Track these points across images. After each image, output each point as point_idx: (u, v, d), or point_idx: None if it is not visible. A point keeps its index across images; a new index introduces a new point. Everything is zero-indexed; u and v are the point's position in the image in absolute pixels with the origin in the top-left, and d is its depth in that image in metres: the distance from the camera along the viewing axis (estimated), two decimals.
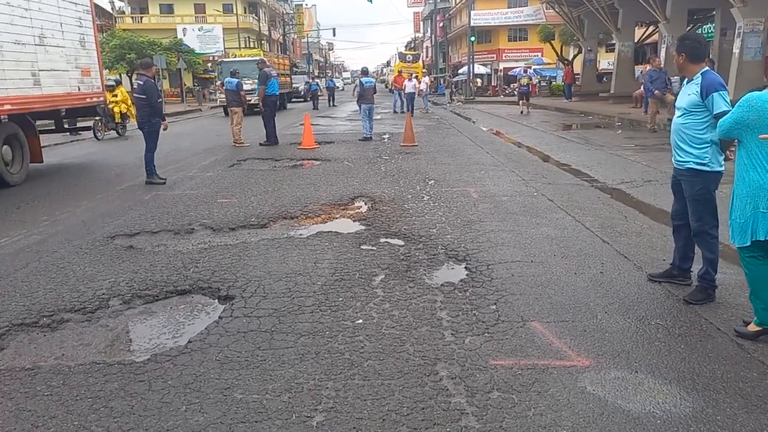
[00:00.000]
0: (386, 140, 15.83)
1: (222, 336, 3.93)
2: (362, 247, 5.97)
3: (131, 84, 31.10)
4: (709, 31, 26.90)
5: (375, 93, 16.12)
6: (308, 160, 12.45)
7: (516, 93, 43.85)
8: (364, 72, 17.40)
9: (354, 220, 7.14)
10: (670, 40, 20.85)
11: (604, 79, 34.12)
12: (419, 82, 43.46)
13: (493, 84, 53.18)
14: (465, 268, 5.26)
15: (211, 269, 5.31)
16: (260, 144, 14.99)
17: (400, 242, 6.12)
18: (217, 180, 10.01)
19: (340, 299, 4.54)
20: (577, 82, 32.11)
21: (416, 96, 25.34)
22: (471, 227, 6.58)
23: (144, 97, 9.60)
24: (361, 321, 4.14)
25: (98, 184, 10.16)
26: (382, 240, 6.22)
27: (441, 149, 13.67)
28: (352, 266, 5.31)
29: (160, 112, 9.91)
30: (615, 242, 5.90)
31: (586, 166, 10.88)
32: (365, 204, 8.01)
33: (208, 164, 11.96)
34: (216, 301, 4.69)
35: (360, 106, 16.02)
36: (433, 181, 9.45)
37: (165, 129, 10.14)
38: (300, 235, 6.49)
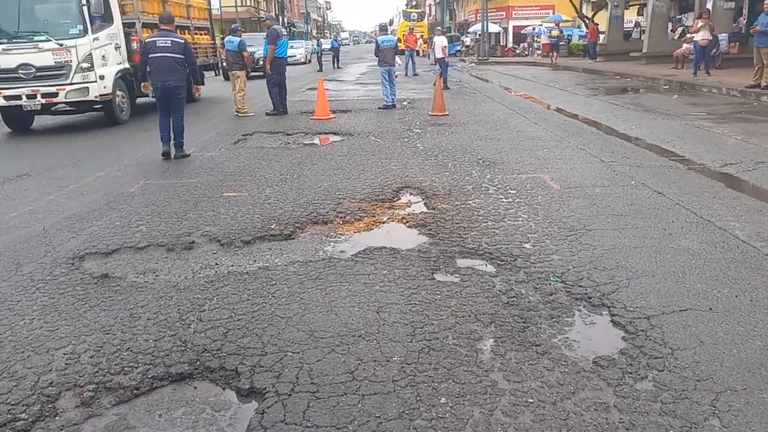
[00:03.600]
0: (409, 108, 13.83)
1: None
2: (437, 277, 4.12)
3: None
4: None
5: (396, 54, 14.04)
6: (326, 134, 10.51)
7: (527, 53, 41.77)
8: (382, 29, 15.33)
9: (409, 227, 5.27)
10: None
11: (631, 37, 31.78)
12: (425, 42, 41.09)
13: (502, 43, 50.60)
14: (612, 322, 3.42)
15: (223, 325, 3.46)
16: (267, 114, 13.03)
17: (488, 267, 4.28)
18: (220, 163, 8.09)
19: (442, 400, 2.70)
20: (600, 41, 29.77)
21: (417, 54, 23.85)
22: (579, 240, 4.71)
23: None
24: None
25: (70, 168, 8.23)
26: (462, 263, 4.37)
27: (478, 119, 11.71)
28: (437, 318, 3.48)
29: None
30: None
31: (665, 141, 8.97)
32: (415, 199, 6.14)
33: (207, 140, 10.02)
34: (235, 396, 2.85)
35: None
36: (489, 164, 7.55)
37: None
38: (342, 253, 4.62)
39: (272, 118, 12.60)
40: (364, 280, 4.06)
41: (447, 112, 12.40)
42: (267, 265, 4.44)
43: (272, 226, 5.27)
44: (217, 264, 4.50)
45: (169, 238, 5.08)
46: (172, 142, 8.62)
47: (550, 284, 3.95)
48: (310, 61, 40.89)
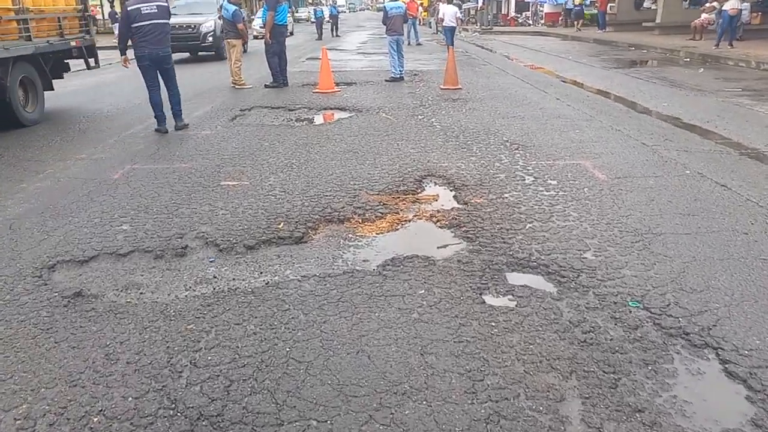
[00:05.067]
0: (419, 81, 12.91)
1: None
2: (487, 299, 3.32)
3: None
4: None
5: (405, 22, 13.05)
6: (332, 109, 9.62)
7: (530, 23, 40.41)
8: None
9: (441, 227, 4.46)
10: None
11: (642, 6, 30.60)
12: (425, 10, 39.68)
13: (503, 12, 49.14)
14: (726, 373, 2.66)
15: (224, 374, 2.67)
16: (266, 86, 12.10)
17: (547, 285, 3.49)
18: (216, 143, 7.22)
19: None
20: (610, 10, 28.61)
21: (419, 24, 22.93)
22: (648, 248, 3.92)
23: None
24: None
25: (48, 148, 7.35)
26: (513, 278, 3.57)
27: (494, 94, 10.82)
28: (499, 364, 2.71)
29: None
30: None
31: (704, 122, 8.14)
32: (442, 191, 5.32)
33: (202, 116, 9.12)
34: None
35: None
36: (518, 147, 6.71)
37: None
38: (366, 264, 3.82)
39: (272, 91, 11.68)
40: (398, 304, 3.27)
41: (460, 86, 11.51)
42: (276, 279, 3.64)
43: (280, 226, 4.45)
44: (215, 278, 3.70)
45: (157, 240, 4.26)
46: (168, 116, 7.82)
47: (630, 312, 3.16)
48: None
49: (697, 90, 10.87)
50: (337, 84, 11.84)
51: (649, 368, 2.70)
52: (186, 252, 4.10)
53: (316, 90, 11.31)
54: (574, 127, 7.77)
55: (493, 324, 3.06)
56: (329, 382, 2.61)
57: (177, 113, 8.08)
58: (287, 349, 2.86)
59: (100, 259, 4.02)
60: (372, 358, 2.77)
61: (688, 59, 15.81)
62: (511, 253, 3.93)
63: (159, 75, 7.81)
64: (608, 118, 8.42)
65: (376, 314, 3.17)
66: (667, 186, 5.25)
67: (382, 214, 4.73)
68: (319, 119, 8.92)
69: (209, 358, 2.80)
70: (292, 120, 8.79)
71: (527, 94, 10.77)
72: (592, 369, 2.68)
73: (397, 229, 4.47)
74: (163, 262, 3.97)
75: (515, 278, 3.61)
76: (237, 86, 12.10)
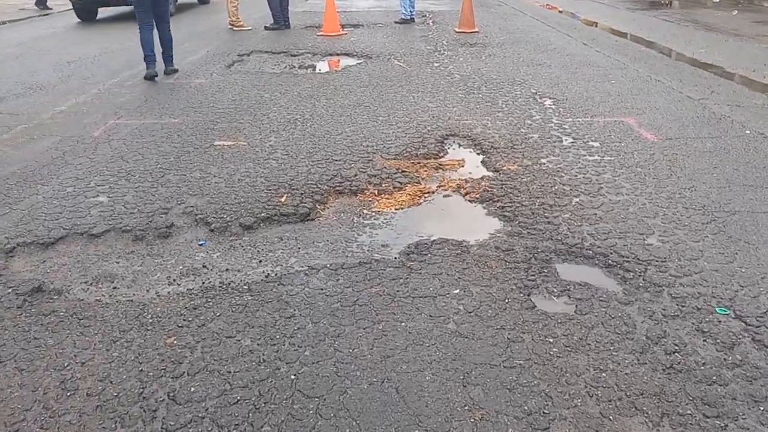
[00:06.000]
0: (431, 23, 11.97)
1: None
2: (537, 302, 2.69)
3: None
4: None
5: None
6: (338, 55, 8.79)
7: None
8: None
9: (472, 201, 3.79)
10: None
11: None
12: None
13: None
14: None
15: (211, 414, 2.07)
16: (266, 28, 11.20)
17: (610, 282, 2.84)
18: (211, 94, 6.47)
19: None
20: None
21: None
22: (724, 230, 3.27)
23: None
24: None
25: (26, 98, 6.61)
26: (566, 272, 2.93)
27: (515, 38, 9.94)
28: (565, 401, 2.13)
29: None
30: None
31: (751, 71, 7.38)
32: (469, 155, 4.63)
33: (196, 62, 8.31)
34: None
35: None
36: (549, 101, 5.97)
37: None
38: (386, 250, 3.17)
39: (273, 34, 10.80)
40: (429, 309, 2.63)
41: (476, 29, 10.61)
42: (278, 271, 2.99)
43: (282, 200, 3.78)
44: (205, 268, 3.05)
45: (138, 217, 3.60)
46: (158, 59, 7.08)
47: (719, 322, 2.52)
48: None
49: (735, 35, 9.97)
50: (343, 26, 10.93)
51: (761, 409, 2.07)
52: (171, 232, 3.45)
53: (321, 33, 10.43)
54: (608, 77, 6.98)
55: (551, 340, 2.42)
56: (348, 429, 1.99)
57: (168, 58, 7.37)
58: (292, 377, 2.23)
59: (68, 241, 3.37)
60: (401, 392, 2.14)
61: (718, 0, 14.73)
62: (558, 237, 3.27)
63: (153, 11, 7.04)
64: (644, 66, 7.61)
65: (403, 324, 2.54)
66: (727, 149, 4.55)
67: (400, 184, 4.05)
68: (324, 67, 8.12)
69: (192, 390, 2.18)
70: (295, 67, 7.99)
71: (550, 38, 9.89)
72: (688, 410, 2.06)
73: (420, 204, 3.80)
74: (143, 246, 3.32)
75: (568, 272, 2.96)
76: (235, 28, 11.21)
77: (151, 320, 2.62)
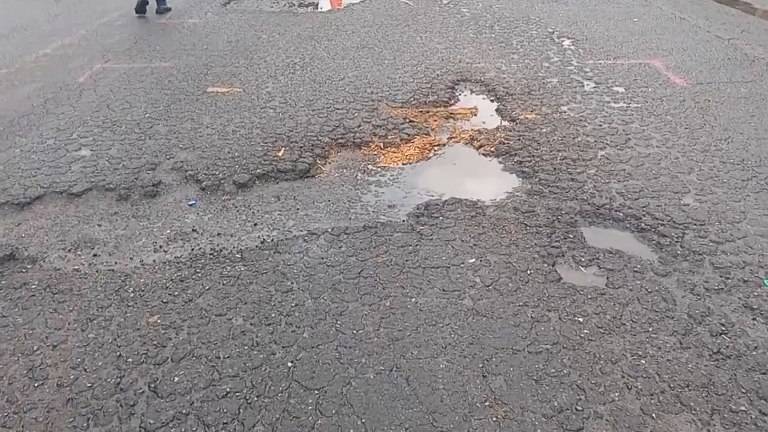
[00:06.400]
0: None
1: None
2: (563, 273, 2.40)
3: None
4: None
5: None
6: None
7: None
8: None
9: (486, 155, 3.46)
10: None
11: None
12: None
13: None
14: None
15: (196, 410, 1.80)
16: None
17: (643, 250, 2.57)
18: (205, 35, 6.05)
19: None
20: None
21: None
22: (765, 187, 2.92)
23: None
24: None
25: (7, 40, 6.20)
26: (593, 238, 2.64)
27: None
28: (600, 395, 1.88)
29: None
30: None
31: None
32: (482, 102, 4.26)
33: (189, 0, 7.80)
34: None
35: None
36: (568, 41, 5.54)
37: None
38: (392, 212, 2.87)
39: None
40: (442, 283, 2.34)
41: None
42: (275, 236, 2.70)
43: (280, 154, 3.46)
44: (194, 232, 2.77)
45: (123, 173, 3.29)
46: None
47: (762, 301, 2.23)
48: None
49: None
50: None
51: None
52: (158, 191, 3.15)
53: None
54: (630, 15, 6.50)
55: (580, 319, 2.14)
56: (352, 429, 1.73)
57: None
58: (289, 364, 1.97)
59: (46, 201, 3.08)
60: (412, 384, 1.88)
61: None
62: (584, 197, 2.96)
63: None
64: (667, 2, 7.10)
65: (413, 300, 2.26)
66: (764, 96, 4.17)
67: (408, 135, 3.71)
68: (326, 4, 7.61)
69: (176, 379, 1.92)
70: (294, 5, 7.50)
71: None
72: (741, 406, 1.79)
73: (429, 158, 3.48)
74: (127, 206, 3.03)
75: (597, 237, 2.66)
76: None
77: (132, 295, 2.34)
